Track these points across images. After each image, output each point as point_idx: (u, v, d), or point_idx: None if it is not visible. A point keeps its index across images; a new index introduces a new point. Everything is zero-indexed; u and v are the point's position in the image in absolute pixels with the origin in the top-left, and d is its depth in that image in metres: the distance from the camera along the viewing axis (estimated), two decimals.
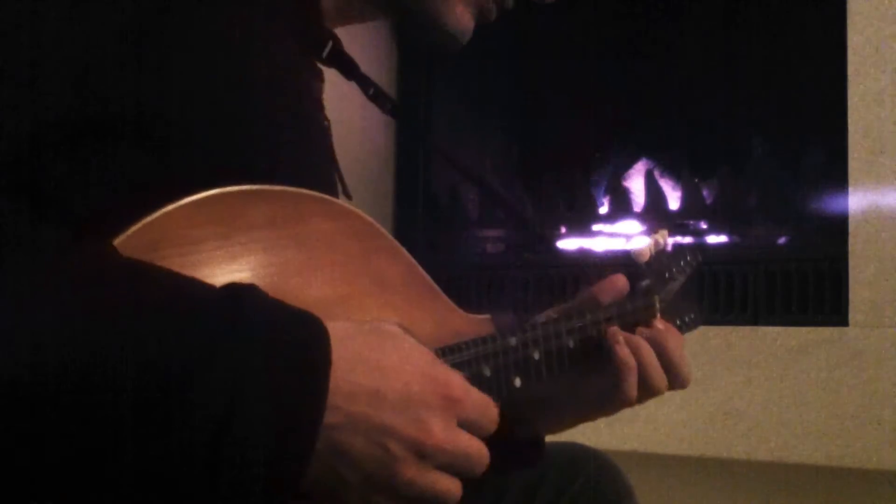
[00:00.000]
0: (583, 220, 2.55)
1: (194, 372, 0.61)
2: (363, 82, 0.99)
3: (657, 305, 0.99)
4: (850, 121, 2.02)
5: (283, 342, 0.65)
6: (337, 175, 0.91)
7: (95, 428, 0.60)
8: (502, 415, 0.77)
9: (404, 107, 2.62)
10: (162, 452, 0.61)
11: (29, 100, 0.67)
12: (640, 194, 2.50)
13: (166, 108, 0.72)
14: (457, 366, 0.81)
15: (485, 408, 0.74)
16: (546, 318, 0.93)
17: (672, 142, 2.49)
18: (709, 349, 2.09)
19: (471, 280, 2.53)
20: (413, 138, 2.71)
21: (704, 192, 2.45)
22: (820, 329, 2.04)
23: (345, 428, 0.66)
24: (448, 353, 0.81)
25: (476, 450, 0.72)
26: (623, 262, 1.03)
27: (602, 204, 2.57)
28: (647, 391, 0.94)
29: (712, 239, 2.37)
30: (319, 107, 0.90)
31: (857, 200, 2.00)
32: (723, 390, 2.08)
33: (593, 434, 1.09)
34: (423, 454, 0.69)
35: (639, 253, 1.01)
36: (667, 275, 1.03)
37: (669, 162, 2.49)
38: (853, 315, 2.00)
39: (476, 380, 0.82)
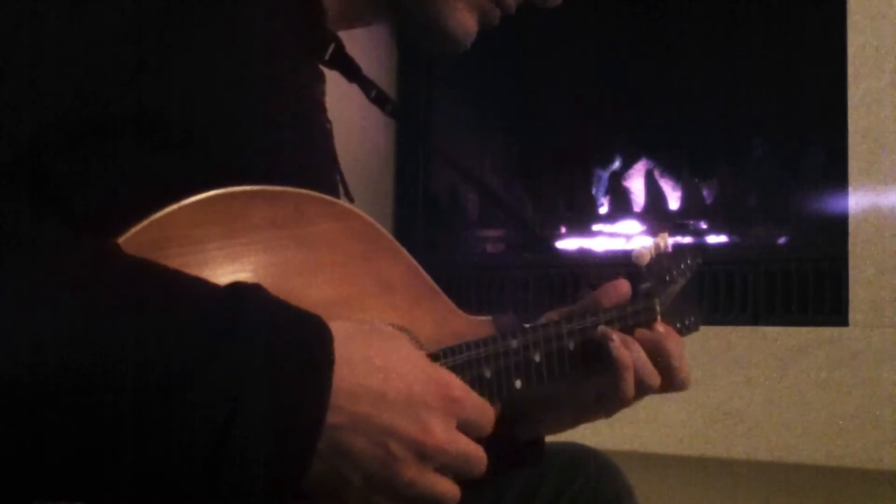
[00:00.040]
0: (583, 220, 2.55)
1: (194, 372, 0.61)
2: (365, 85, 0.99)
3: (657, 308, 1.00)
4: (850, 121, 2.02)
5: (285, 342, 0.65)
6: (338, 176, 0.91)
7: (96, 427, 0.60)
8: (502, 415, 0.78)
9: (404, 107, 2.62)
10: (162, 452, 0.61)
11: (30, 100, 0.67)
12: (640, 194, 2.50)
13: (167, 108, 0.72)
14: (457, 367, 0.81)
15: (483, 409, 0.75)
16: (547, 321, 0.93)
17: (672, 142, 2.49)
18: (709, 349, 2.09)
19: (471, 280, 2.53)
20: (413, 138, 2.71)
21: (704, 192, 2.45)
22: (820, 329, 2.04)
23: (347, 428, 0.66)
24: (449, 354, 0.81)
25: (474, 452, 0.72)
26: (623, 262, 1.03)
27: (602, 204, 2.57)
28: (638, 390, 0.94)
29: (712, 239, 2.37)
30: (321, 108, 0.90)
31: (857, 200, 2.00)
32: (723, 390, 2.08)
33: (593, 434, 1.08)
34: (424, 455, 0.69)
35: (639, 255, 1.01)
36: (667, 278, 1.03)
37: (669, 162, 2.49)
38: (853, 315, 2.00)
39: (477, 381, 0.82)
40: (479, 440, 0.74)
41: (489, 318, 0.92)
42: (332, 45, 0.93)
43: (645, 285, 1.00)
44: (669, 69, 2.48)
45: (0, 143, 0.65)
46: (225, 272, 0.70)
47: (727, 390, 2.08)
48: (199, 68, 0.73)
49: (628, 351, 0.92)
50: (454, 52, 0.94)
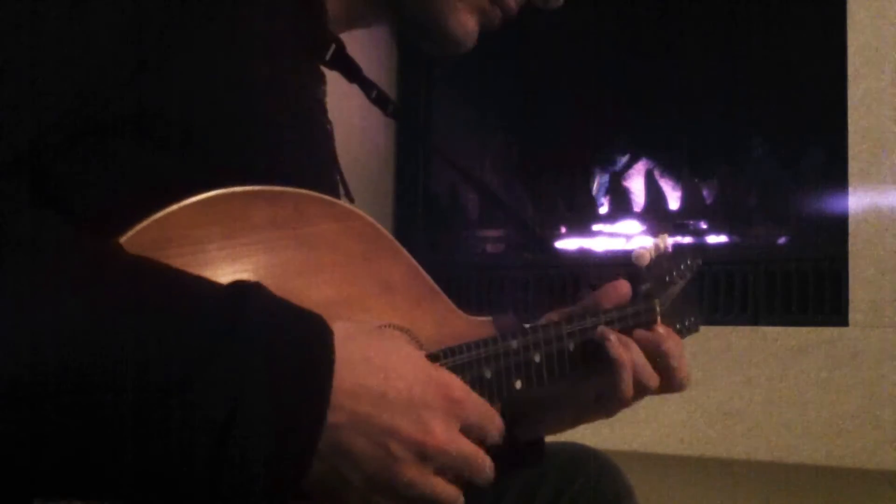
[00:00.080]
0: (583, 220, 2.55)
1: (194, 372, 0.61)
2: (366, 85, 0.99)
3: (657, 309, 1.00)
4: (850, 121, 2.02)
5: (285, 341, 0.65)
6: (339, 176, 0.91)
7: (96, 427, 0.60)
8: (502, 416, 0.78)
9: (404, 107, 2.62)
10: (162, 452, 0.61)
11: (30, 100, 0.67)
12: (640, 194, 2.50)
13: (167, 108, 0.72)
14: (458, 367, 0.81)
15: (487, 413, 0.74)
16: (547, 321, 0.93)
17: (672, 142, 2.49)
18: (709, 349, 2.09)
19: (471, 280, 2.53)
20: (413, 138, 2.71)
21: (704, 192, 2.45)
22: (820, 329, 2.04)
23: (347, 427, 0.66)
24: (449, 354, 0.81)
25: (475, 455, 0.72)
26: (623, 262, 1.03)
27: (602, 204, 2.57)
28: (637, 390, 0.94)
29: (712, 239, 2.37)
30: (322, 109, 0.90)
31: (857, 200, 2.00)
32: (723, 390, 2.08)
33: (593, 434, 1.08)
34: (425, 455, 0.69)
35: (639, 256, 1.01)
36: (667, 279, 1.03)
37: (669, 162, 2.49)
38: (853, 315, 2.00)
39: (477, 382, 0.82)
40: (486, 446, 0.74)
41: (489, 318, 0.92)
42: (333, 46, 0.93)
43: (645, 286, 1.00)
44: (669, 69, 2.48)
45: (0, 143, 0.65)
46: (225, 272, 0.70)
47: (727, 390, 2.08)
48: (200, 68, 0.73)
49: (626, 351, 0.92)
50: (455, 54, 0.94)
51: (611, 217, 2.53)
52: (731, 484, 2.11)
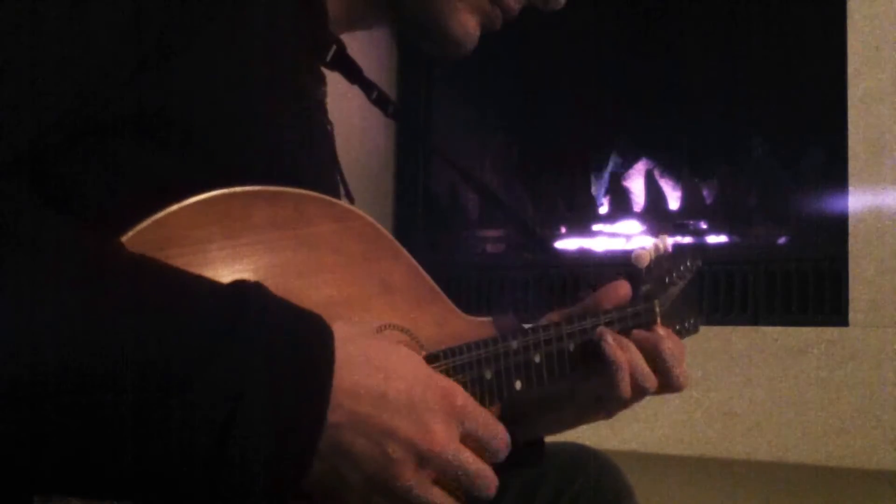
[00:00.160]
0: (583, 220, 2.55)
1: (195, 371, 0.61)
2: (366, 86, 0.99)
3: (657, 310, 1.00)
4: (850, 121, 2.02)
5: (285, 341, 0.65)
6: (339, 177, 0.91)
7: (96, 427, 0.60)
8: (502, 416, 0.78)
9: (404, 107, 2.61)
10: (162, 452, 0.61)
11: (30, 100, 0.67)
12: (640, 194, 2.50)
13: (168, 107, 0.72)
14: (458, 368, 0.81)
15: (491, 425, 0.74)
16: (547, 322, 0.93)
17: (672, 142, 2.49)
18: (709, 349, 2.09)
19: (471, 280, 2.53)
20: (413, 139, 2.71)
21: (704, 192, 2.45)
22: (820, 329, 2.04)
23: (347, 427, 0.66)
24: (449, 355, 0.81)
25: (475, 466, 0.71)
26: (623, 262, 1.03)
27: (602, 204, 2.57)
28: (635, 391, 0.94)
29: (712, 239, 2.37)
30: (322, 109, 0.90)
31: (857, 200, 2.00)
32: (723, 390, 2.08)
33: (593, 434, 1.08)
34: (424, 459, 0.69)
35: (639, 257, 1.01)
36: (667, 280, 1.03)
37: (669, 162, 2.49)
38: (853, 315, 2.00)
39: (477, 382, 0.82)
40: (491, 460, 0.73)
41: (489, 318, 0.92)
42: (334, 47, 0.93)
43: (645, 287, 1.00)
44: (669, 69, 2.48)
45: (0, 143, 0.65)
46: (225, 273, 0.70)
47: (727, 390, 2.08)
48: (200, 68, 0.73)
49: (623, 352, 0.92)
50: (456, 56, 0.94)
51: (611, 217, 2.53)
52: (731, 484, 2.11)
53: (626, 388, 0.92)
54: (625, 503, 1.06)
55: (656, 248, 1.02)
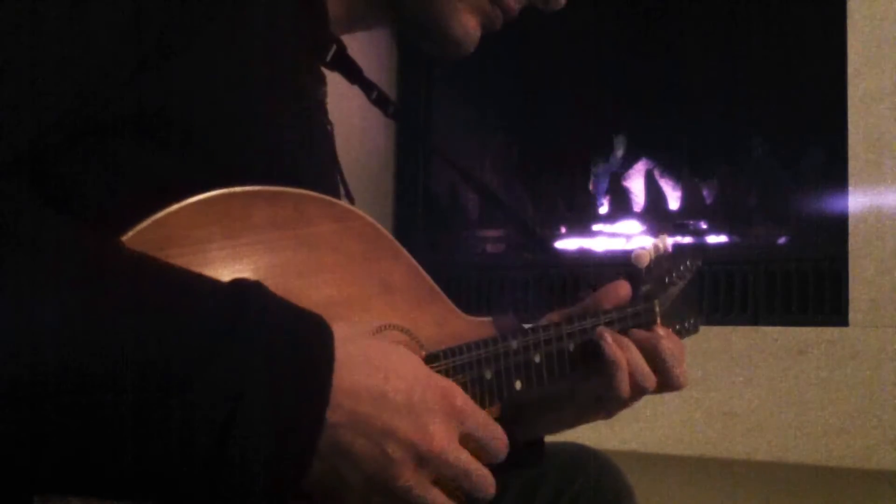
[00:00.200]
0: (583, 220, 2.55)
1: (195, 372, 0.61)
2: (366, 86, 0.99)
3: (657, 310, 1.00)
4: (850, 121, 2.02)
5: (285, 341, 0.65)
6: (339, 177, 0.91)
7: (96, 427, 0.60)
8: (502, 416, 0.78)
9: (404, 107, 2.62)
10: (162, 452, 0.61)
11: (30, 100, 0.67)
12: (640, 194, 2.50)
13: (168, 107, 0.72)
14: (458, 368, 0.81)
15: (490, 427, 0.74)
16: (547, 322, 0.93)
17: (672, 142, 2.49)
18: (709, 349, 2.09)
19: (471, 280, 2.53)
20: (413, 139, 2.71)
21: (704, 192, 2.45)
22: (820, 329, 2.04)
23: (347, 426, 0.66)
24: (449, 355, 0.81)
25: (476, 469, 0.71)
26: (623, 262, 1.03)
27: (602, 204, 2.57)
28: (634, 390, 0.94)
29: (712, 239, 2.37)
30: (322, 109, 0.90)
31: (857, 200, 2.00)
32: (723, 390, 2.08)
33: (593, 434, 1.08)
34: (423, 459, 0.69)
35: (638, 257, 1.01)
36: (667, 280, 1.03)
37: (669, 162, 2.49)
38: (853, 315, 2.00)
39: (477, 382, 0.82)
40: (488, 462, 0.74)
41: (489, 318, 0.92)
42: (334, 47, 0.93)
43: (645, 287, 1.00)
44: (669, 69, 2.48)
45: (0, 143, 0.65)
46: (225, 272, 0.70)
47: (727, 390, 2.08)
48: (200, 68, 0.73)
49: (622, 351, 0.92)
50: (456, 57, 0.94)
51: (611, 217, 2.53)
52: (731, 484, 2.11)
53: (625, 387, 0.92)
54: (625, 503, 1.06)
55: (656, 247, 1.02)
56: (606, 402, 0.95)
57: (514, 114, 2.75)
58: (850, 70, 2.02)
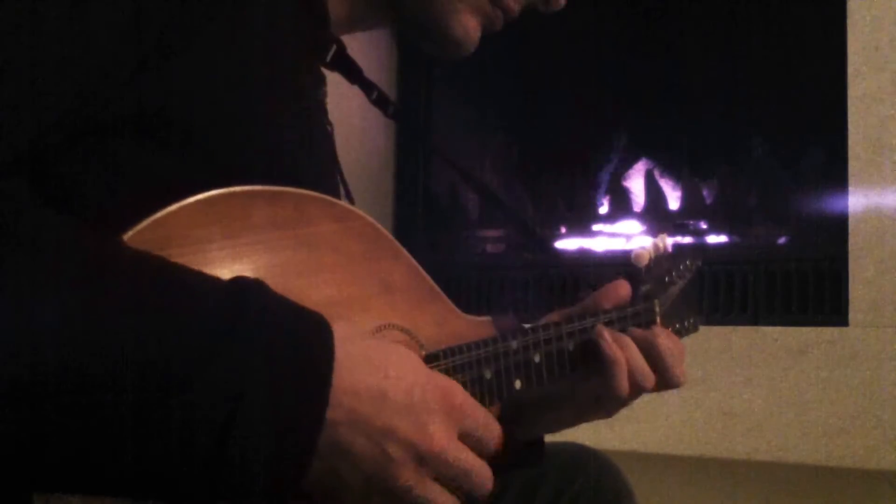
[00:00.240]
0: (583, 220, 2.55)
1: (195, 372, 0.61)
2: (366, 86, 0.99)
3: (657, 310, 1.00)
4: (850, 121, 2.02)
5: (285, 341, 0.65)
6: (339, 177, 0.91)
7: (96, 427, 0.60)
8: (502, 416, 0.78)
9: (404, 107, 2.62)
10: (162, 452, 0.61)
11: (30, 100, 0.67)
12: (640, 194, 2.50)
13: (168, 107, 0.72)
14: (457, 367, 0.81)
15: (487, 421, 0.74)
16: (547, 322, 0.93)
17: (672, 142, 2.49)
18: (709, 349, 2.09)
19: (471, 280, 2.53)
20: (413, 139, 2.71)
21: (704, 192, 2.45)
22: (820, 329, 2.04)
23: (346, 425, 0.66)
24: (449, 354, 0.81)
25: (476, 465, 0.72)
26: (623, 262, 1.03)
27: (602, 204, 2.57)
28: (633, 388, 0.94)
29: (712, 239, 2.37)
30: (322, 110, 0.90)
31: (857, 200, 2.00)
32: (723, 390, 2.08)
33: (593, 434, 1.08)
34: (422, 458, 0.69)
35: (638, 256, 1.01)
36: (666, 279, 1.03)
37: (669, 162, 2.49)
38: (853, 315, 2.00)
39: (477, 382, 0.82)
40: (485, 455, 0.74)
41: (489, 318, 0.92)
42: (334, 47, 0.93)
43: (645, 287, 1.00)
44: (669, 69, 2.48)
45: (0, 143, 0.65)
46: (225, 272, 0.70)
47: (727, 390, 2.08)
48: (200, 68, 0.73)
49: (621, 349, 0.92)
50: (456, 57, 0.94)
51: (611, 217, 2.53)
52: (731, 484, 2.11)
53: (623, 385, 0.92)
54: (625, 503, 1.06)
55: (656, 247, 1.02)
56: (606, 402, 0.95)
57: (514, 114, 2.75)
58: (850, 70, 2.02)
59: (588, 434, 1.04)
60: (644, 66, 2.48)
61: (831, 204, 2.12)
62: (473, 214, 2.73)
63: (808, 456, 1.99)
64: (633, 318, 0.97)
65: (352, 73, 0.97)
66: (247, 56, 0.76)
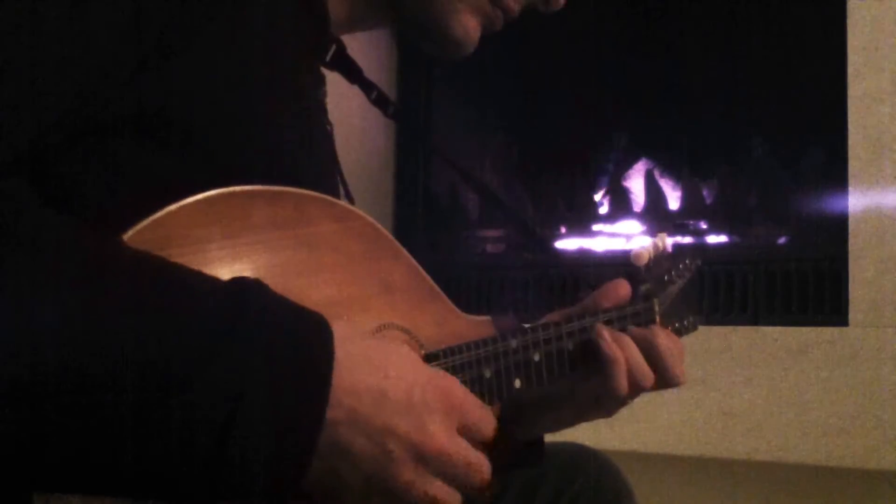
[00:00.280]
0: (583, 220, 2.56)
1: (195, 372, 0.61)
2: (366, 86, 0.99)
3: (656, 309, 1.00)
4: (850, 121, 2.02)
5: (285, 341, 0.65)
6: (339, 177, 0.92)
7: (96, 427, 0.60)
8: (502, 415, 0.78)
9: (404, 107, 2.62)
10: (162, 452, 0.61)
11: (30, 100, 0.67)
12: (640, 194, 2.50)
13: (168, 107, 0.72)
14: (457, 367, 0.81)
15: (483, 413, 0.74)
16: (547, 321, 0.93)
17: (672, 142, 2.49)
18: (709, 349, 2.09)
19: (471, 280, 2.53)
20: (413, 139, 2.71)
21: (704, 192, 2.45)
22: (820, 329, 2.04)
23: (346, 425, 0.66)
24: (449, 354, 0.81)
25: (475, 459, 0.72)
26: (622, 262, 1.03)
27: (602, 204, 2.57)
28: (632, 387, 0.94)
29: (712, 239, 2.38)
30: (322, 110, 0.90)
31: (857, 200, 2.00)
32: (723, 390, 2.08)
33: (593, 434, 1.08)
34: (423, 458, 0.69)
35: (637, 255, 1.01)
36: (666, 278, 1.03)
37: (669, 162, 2.49)
38: (853, 315, 2.00)
39: (476, 381, 0.82)
40: (480, 444, 0.74)
41: (488, 318, 0.92)
42: (334, 47, 0.93)
43: (644, 286, 1.00)
44: (669, 69, 2.48)
45: (0, 143, 0.65)
46: (225, 272, 0.70)
47: (727, 390, 2.08)
48: (200, 68, 0.73)
49: (620, 348, 0.92)
50: (456, 57, 0.94)
51: (611, 217, 2.53)
52: (731, 484, 2.11)
53: (623, 384, 0.92)
54: (625, 503, 1.06)
55: (655, 246, 1.03)
56: (605, 401, 0.95)
57: (514, 114, 2.75)
58: (850, 70, 2.02)
59: (588, 434, 1.04)
60: (644, 66, 2.48)
61: (831, 204, 2.12)
62: (473, 214, 2.73)
63: (808, 456, 1.99)
64: (633, 317, 0.97)
65: (352, 73, 0.97)
66: (247, 56, 0.76)
